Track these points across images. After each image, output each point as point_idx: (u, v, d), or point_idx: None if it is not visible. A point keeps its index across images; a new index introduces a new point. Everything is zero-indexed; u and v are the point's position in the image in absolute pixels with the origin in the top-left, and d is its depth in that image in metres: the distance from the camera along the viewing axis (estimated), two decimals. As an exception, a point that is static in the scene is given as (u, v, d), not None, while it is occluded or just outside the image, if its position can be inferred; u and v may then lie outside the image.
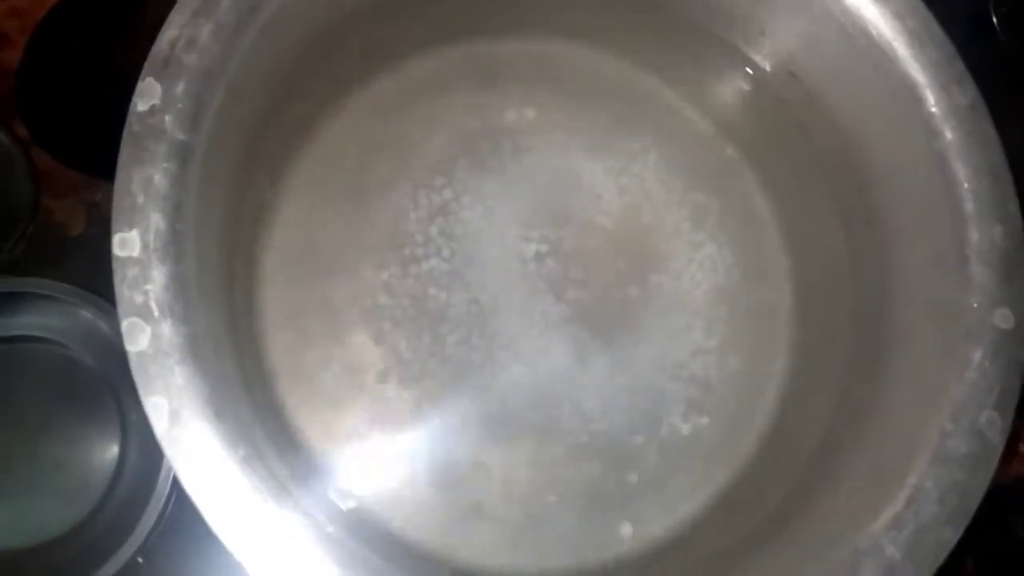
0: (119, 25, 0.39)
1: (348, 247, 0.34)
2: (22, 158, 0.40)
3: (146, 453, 0.39)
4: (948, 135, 0.30)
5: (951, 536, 0.27)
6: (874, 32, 0.31)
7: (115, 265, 0.25)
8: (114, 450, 0.40)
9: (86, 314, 0.38)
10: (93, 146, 0.40)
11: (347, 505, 0.32)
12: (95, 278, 0.36)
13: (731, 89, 0.38)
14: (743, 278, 0.37)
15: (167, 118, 0.26)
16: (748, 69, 0.37)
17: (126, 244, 0.25)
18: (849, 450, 0.31)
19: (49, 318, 0.39)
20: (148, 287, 0.25)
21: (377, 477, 0.33)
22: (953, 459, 0.28)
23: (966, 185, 0.30)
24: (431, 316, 0.35)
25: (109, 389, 0.39)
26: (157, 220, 0.25)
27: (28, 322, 0.39)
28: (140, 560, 0.38)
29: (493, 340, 0.35)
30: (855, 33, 0.31)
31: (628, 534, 0.34)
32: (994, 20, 0.40)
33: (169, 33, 0.26)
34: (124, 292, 0.24)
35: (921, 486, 0.27)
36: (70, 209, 0.44)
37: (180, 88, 0.26)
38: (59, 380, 0.40)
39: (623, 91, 0.38)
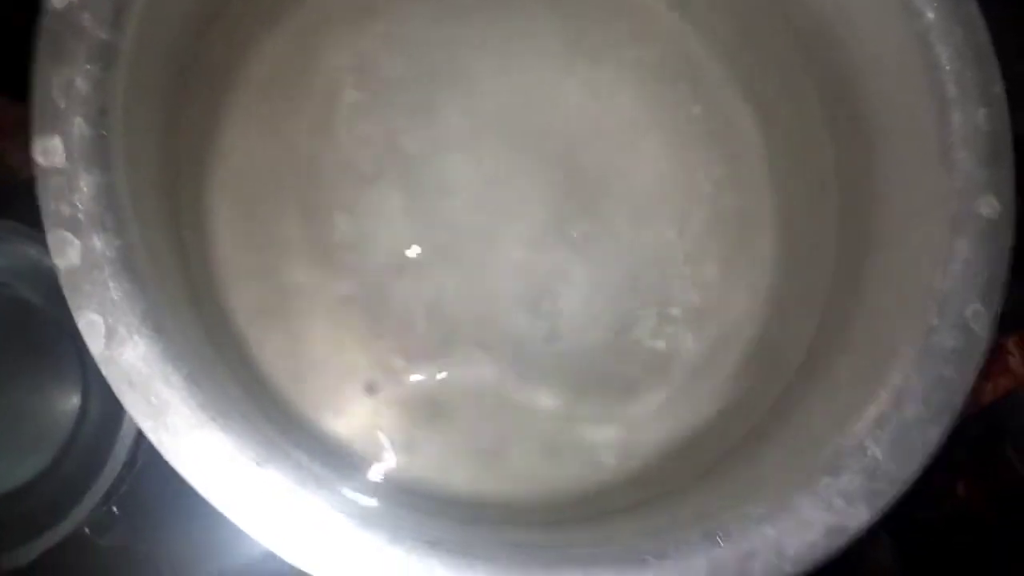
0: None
1: (298, 166, 0.33)
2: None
3: (110, 396, 0.37)
4: (929, 15, 0.28)
5: (936, 434, 0.26)
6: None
7: (38, 174, 0.23)
8: (74, 395, 0.38)
9: (31, 251, 0.36)
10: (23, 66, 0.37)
11: (310, 431, 0.30)
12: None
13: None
14: (720, 182, 0.35)
15: (86, 16, 0.24)
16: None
17: (48, 152, 0.23)
18: (836, 354, 0.30)
19: (-5, 259, 0.37)
20: (75, 197, 0.23)
21: (342, 408, 0.32)
22: (939, 354, 0.26)
23: (948, 67, 0.28)
24: (401, 243, 0.33)
25: (63, 328, 0.38)
26: (81, 125, 0.23)
27: (-30, 263, 0.38)
28: (114, 509, 0.38)
29: (461, 238, 0.34)
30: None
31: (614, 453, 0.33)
32: None
33: (82, -78, 0.24)
34: (50, 203, 0.23)
35: (906, 384, 0.26)
36: (21, 150, 0.42)
37: (98, -17, 0.24)
38: (7, 323, 0.38)
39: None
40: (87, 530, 0.38)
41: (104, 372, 0.22)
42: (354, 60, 0.34)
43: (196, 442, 0.22)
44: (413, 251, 0.34)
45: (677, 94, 0.36)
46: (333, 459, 0.30)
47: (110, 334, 0.22)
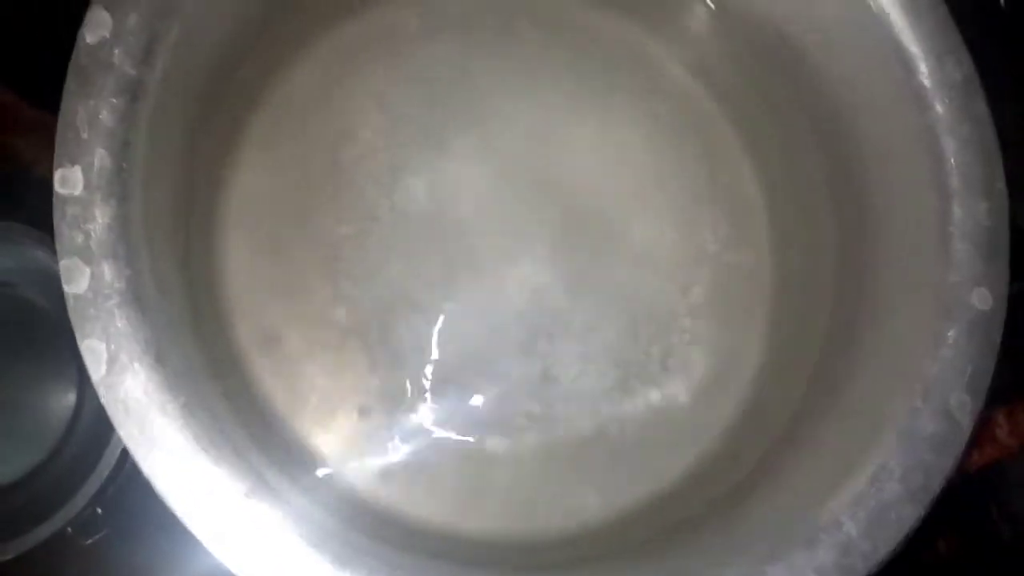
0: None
1: (310, 197, 0.33)
2: (-19, 96, 0.38)
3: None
4: (939, 108, 0.29)
5: (912, 514, 0.26)
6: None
7: (55, 202, 0.23)
8: (71, 395, 0.39)
9: (39, 254, 0.37)
10: (51, 78, 0.38)
11: (301, 460, 0.31)
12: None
13: (719, 46, 0.36)
14: (723, 241, 0.36)
15: (116, 51, 0.24)
16: (735, 22, 0.35)
17: (67, 181, 0.23)
18: (818, 424, 0.30)
19: (2, 258, 0.38)
20: (89, 226, 0.23)
21: (335, 437, 0.32)
22: (920, 438, 0.27)
23: (953, 160, 0.29)
24: (401, 276, 0.34)
25: (65, 332, 0.38)
26: (102, 157, 0.24)
27: (-22, 262, 0.38)
28: (99, 511, 0.38)
29: (463, 276, 0.34)
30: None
31: (595, 503, 0.33)
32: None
33: (124, -38, 0.25)
34: (64, 231, 0.23)
35: (885, 464, 0.27)
36: (36, 147, 0.43)
37: (132, 21, 0.25)
38: (13, 322, 0.38)
39: (592, 35, 0.37)
40: (70, 529, 0.38)
41: (102, 398, 0.23)
42: (373, 97, 0.35)
43: (185, 473, 0.23)
44: (415, 287, 0.34)
45: (687, 151, 0.37)
46: (319, 490, 0.30)
47: (111, 361, 0.23)
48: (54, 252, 0.35)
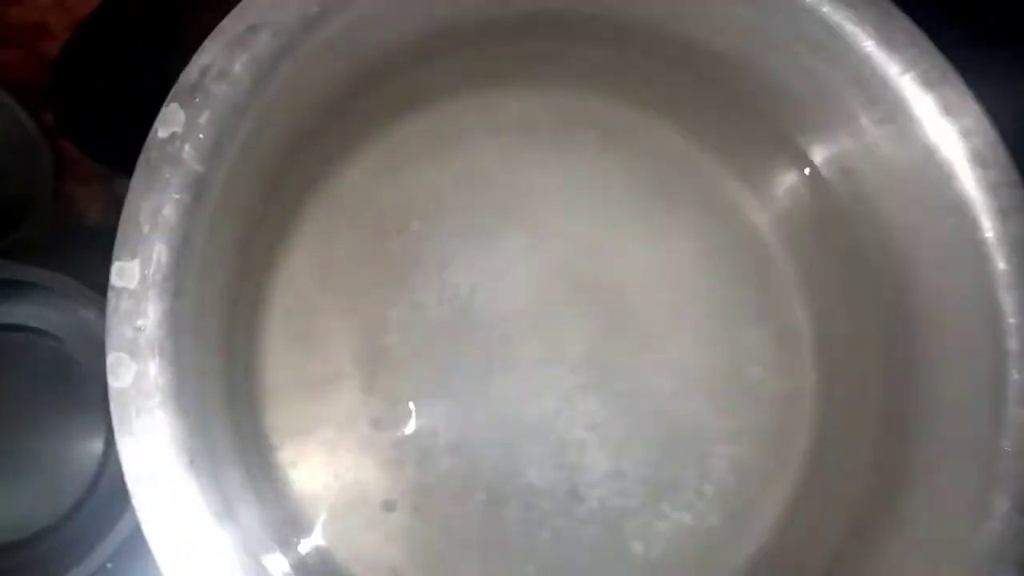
0: (160, 34, 0.38)
1: (355, 286, 0.33)
2: (46, 146, 0.39)
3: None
4: (1000, 264, 0.28)
5: None
6: (935, 146, 0.29)
7: (110, 295, 0.24)
8: (97, 452, 0.39)
9: (87, 313, 0.37)
10: (117, 142, 0.39)
11: (319, 561, 0.30)
12: (106, 271, 0.35)
13: (781, 178, 0.36)
14: (768, 368, 0.35)
15: (186, 147, 0.25)
16: (800, 159, 0.35)
17: (124, 274, 0.24)
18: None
19: (48, 311, 0.39)
20: (140, 322, 0.23)
21: (365, 541, 0.32)
22: (964, 615, 0.26)
23: (1012, 320, 0.28)
24: (437, 371, 0.34)
25: (99, 391, 0.38)
26: (161, 252, 0.24)
27: (26, 312, 0.39)
28: (109, 565, 0.38)
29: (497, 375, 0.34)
30: (916, 145, 0.30)
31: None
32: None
33: (202, 60, 0.25)
34: (114, 325, 0.23)
35: (925, 639, 0.26)
36: (91, 196, 0.44)
37: (204, 118, 0.25)
38: (50, 375, 0.39)
39: (664, 159, 0.37)
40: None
41: (132, 496, 0.23)
42: (425, 189, 0.35)
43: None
44: (451, 383, 0.34)
45: (738, 272, 0.36)
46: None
47: (147, 460, 0.23)
48: (97, 309, 0.36)
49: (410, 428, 0.34)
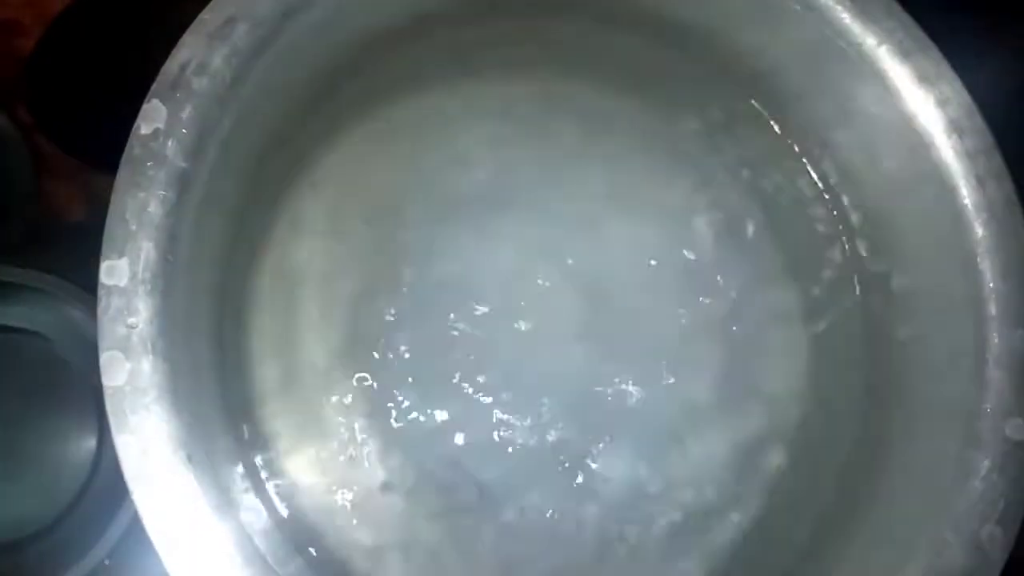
0: (135, 28, 0.38)
1: (346, 283, 0.33)
2: (22, 144, 0.39)
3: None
4: (979, 231, 0.29)
5: (940, 654, 0.26)
6: (912, 116, 0.30)
7: (100, 293, 0.24)
8: (90, 451, 0.39)
9: (75, 312, 0.37)
10: (94, 138, 0.39)
11: (316, 555, 0.31)
12: (91, 268, 0.35)
13: (763, 153, 0.36)
14: (755, 344, 0.35)
15: (170, 143, 0.25)
16: (781, 133, 0.35)
17: (114, 272, 0.24)
18: (841, 544, 0.30)
19: (38, 312, 0.38)
20: (132, 320, 0.23)
21: (363, 527, 0.32)
22: (949, 572, 0.27)
23: (991, 285, 0.29)
24: (429, 356, 0.34)
25: (90, 390, 0.39)
26: (148, 250, 0.24)
27: (16, 312, 0.39)
28: (107, 562, 0.38)
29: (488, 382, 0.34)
30: (893, 115, 0.30)
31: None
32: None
33: (181, 54, 0.25)
34: (106, 324, 0.23)
35: (912, 600, 0.26)
36: (71, 194, 0.43)
37: (186, 113, 0.25)
38: (41, 375, 0.39)
39: (657, 141, 0.37)
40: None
41: (132, 494, 0.23)
42: (411, 174, 0.35)
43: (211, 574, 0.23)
44: (437, 366, 0.34)
45: (721, 247, 0.36)
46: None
47: (143, 457, 0.23)
48: (86, 308, 0.36)
49: (404, 414, 0.34)
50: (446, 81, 0.35)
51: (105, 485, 0.39)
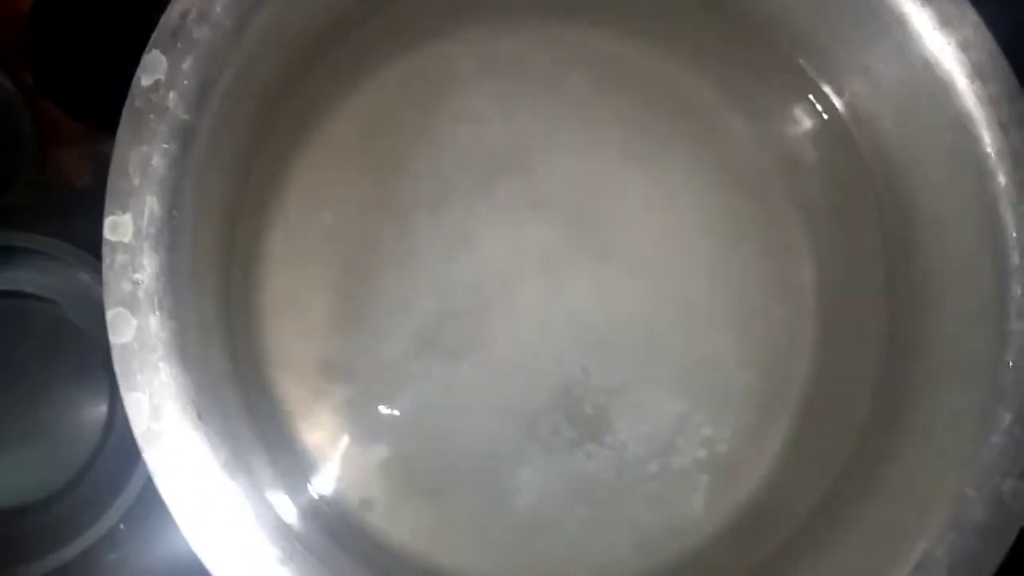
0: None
1: (352, 238, 0.33)
2: (25, 108, 0.38)
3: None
4: (1001, 179, 0.28)
5: (959, 607, 0.26)
6: (934, 61, 0.29)
7: (104, 250, 0.23)
8: (102, 414, 0.39)
9: (82, 276, 0.37)
10: (98, 101, 0.38)
11: (327, 506, 0.31)
12: (98, 233, 0.35)
13: (781, 105, 0.35)
14: (766, 299, 0.35)
15: (171, 95, 0.24)
16: (801, 84, 0.34)
17: (118, 228, 0.23)
18: (860, 501, 0.30)
19: (45, 276, 0.38)
20: (137, 276, 0.23)
21: (369, 481, 0.32)
22: (970, 526, 0.26)
23: (1014, 235, 0.28)
24: (437, 316, 0.34)
25: (100, 353, 0.38)
26: (152, 204, 0.23)
27: (23, 277, 0.39)
28: (122, 526, 0.38)
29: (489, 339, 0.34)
30: (914, 60, 0.29)
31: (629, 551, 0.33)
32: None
33: (181, 3, 0.24)
34: (111, 280, 0.23)
35: (932, 552, 0.26)
36: (76, 159, 0.43)
37: (187, 64, 0.24)
38: (50, 340, 0.39)
39: (670, 95, 0.36)
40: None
41: (143, 451, 0.23)
42: (421, 131, 0.34)
43: (223, 536, 0.23)
44: (449, 328, 0.34)
45: (737, 203, 0.36)
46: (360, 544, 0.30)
47: (154, 415, 0.23)
48: (94, 271, 0.36)
49: (410, 372, 0.33)
50: (455, 34, 0.34)
51: (117, 449, 0.39)
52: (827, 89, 0.34)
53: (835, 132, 0.34)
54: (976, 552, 0.26)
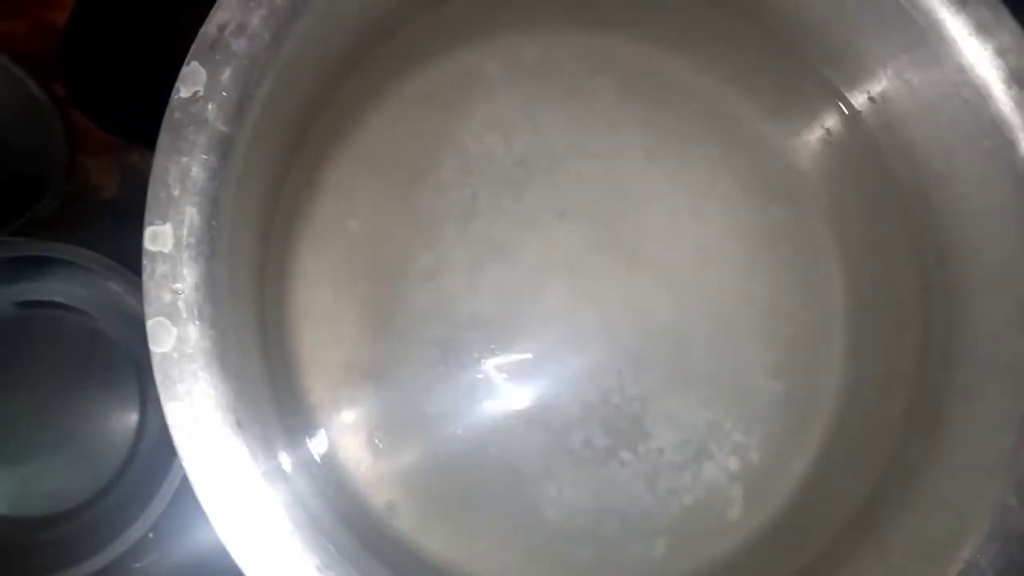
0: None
1: (381, 247, 0.33)
2: (58, 118, 0.39)
3: (165, 428, 0.38)
4: (1037, 178, 0.28)
5: (1003, 621, 0.25)
6: (970, 67, 0.28)
7: (145, 260, 0.23)
8: (132, 424, 0.39)
9: (114, 287, 0.37)
10: (129, 111, 0.39)
11: (357, 513, 0.31)
12: (125, 243, 0.35)
13: (810, 112, 0.35)
14: (798, 305, 0.35)
15: (210, 107, 0.24)
16: (830, 91, 0.34)
17: (158, 238, 0.23)
18: (898, 510, 0.29)
19: (76, 287, 0.39)
20: (178, 286, 0.23)
21: (398, 489, 0.32)
22: (1013, 536, 0.26)
23: (1052, 242, 0.28)
24: (469, 321, 0.34)
25: (131, 363, 0.39)
26: (192, 215, 0.24)
27: (54, 288, 0.39)
28: (151, 535, 0.38)
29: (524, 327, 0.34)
30: (949, 66, 0.29)
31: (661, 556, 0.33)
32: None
33: (219, 16, 0.24)
34: (152, 289, 0.23)
35: (975, 562, 0.26)
36: (104, 170, 0.43)
37: (226, 75, 0.24)
38: (81, 350, 0.39)
39: (696, 101, 0.36)
40: (122, 551, 0.38)
41: (183, 460, 0.23)
42: (449, 140, 0.35)
43: (262, 543, 0.23)
44: (480, 333, 0.34)
45: (766, 209, 0.36)
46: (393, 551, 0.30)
47: (193, 424, 0.23)
48: (129, 284, 0.36)
49: (439, 379, 0.33)
50: (483, 42, 0.35)
51: (148, 458, 0.39)
52: (858, 96, 0.34)
53: (866, 139, 0.34)
54: (1021, 563, 0.26)
